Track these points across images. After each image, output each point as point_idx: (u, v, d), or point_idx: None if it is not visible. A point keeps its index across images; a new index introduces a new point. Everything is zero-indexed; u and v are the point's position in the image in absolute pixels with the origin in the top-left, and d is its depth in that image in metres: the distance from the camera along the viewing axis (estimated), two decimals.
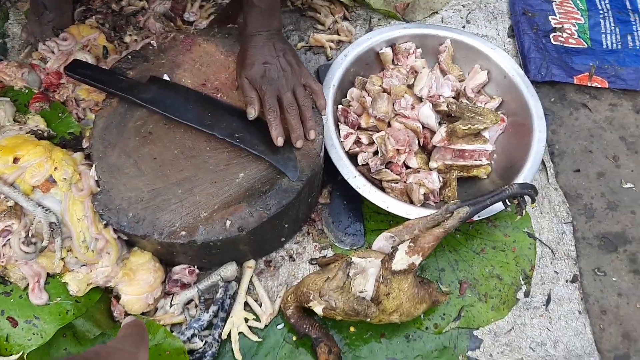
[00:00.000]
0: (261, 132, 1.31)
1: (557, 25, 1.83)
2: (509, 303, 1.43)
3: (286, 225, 1.37)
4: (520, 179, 1.42)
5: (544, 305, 1.44)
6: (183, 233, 1.23)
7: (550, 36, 1.81)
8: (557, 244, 1.52)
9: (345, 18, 1.87)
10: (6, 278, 1.25)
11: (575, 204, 1.59)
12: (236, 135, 1.31)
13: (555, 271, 1.48)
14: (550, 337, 1.40)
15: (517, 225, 1.53)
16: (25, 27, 1.69)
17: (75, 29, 1.63)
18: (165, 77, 1.40)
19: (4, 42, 1.74)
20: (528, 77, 1.67)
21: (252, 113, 1.29)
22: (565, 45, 1.80)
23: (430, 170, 1.49)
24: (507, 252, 1.49)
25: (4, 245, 1.21)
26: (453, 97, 1.59)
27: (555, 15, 1.85)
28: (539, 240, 1.51)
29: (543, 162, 1.62)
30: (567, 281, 1.47)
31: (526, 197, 1.33)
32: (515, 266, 1.47)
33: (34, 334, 1.22)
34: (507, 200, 1.34)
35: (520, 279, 1.46)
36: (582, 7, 1.89)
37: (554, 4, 1.88)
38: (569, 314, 1.43)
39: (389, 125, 1.52)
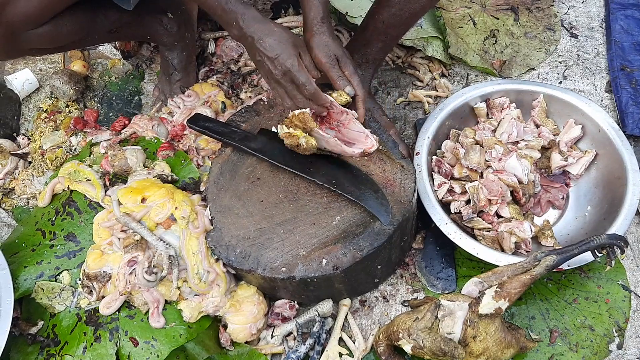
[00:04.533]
0: (357, 179, 1.43)
1: None
2: (601, 354, 1.43)
3: (379, 267, 1.46)
4: (612, 231, 1.43)
5: (637, 358, 1.42)
6: (283, 269, 1.36)
7: None
8: None
9: (443, 75, 1.95)
10: (131, 303, 1.43)
11: None
12: (334, 181, 1.43)
13: None
14: None
15: (612, 277, 1.53)
16: (157, 85, 1.93)
17: (199, 87, 1.85)
18: (274, 129, 1.56)
19: (139, 98, 1.99)
20: (625, 132, 1.69)
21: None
22: None
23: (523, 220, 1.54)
24: (600, 304, 1.49)
25: (130, 273, 1.40)
26: (546, 148, 1.63)
27: None
28: (634, 293, 1.51)
29: None
30: None
31: (616, 248, 1.34)
32: (608, 318, 1.47)
33: (151, 353, 1.37)
34: (596, 251, 1.36)
35: (614, 330, 1.45)
36: None
37: None
38: None
39: (481, 175, 1.59)
